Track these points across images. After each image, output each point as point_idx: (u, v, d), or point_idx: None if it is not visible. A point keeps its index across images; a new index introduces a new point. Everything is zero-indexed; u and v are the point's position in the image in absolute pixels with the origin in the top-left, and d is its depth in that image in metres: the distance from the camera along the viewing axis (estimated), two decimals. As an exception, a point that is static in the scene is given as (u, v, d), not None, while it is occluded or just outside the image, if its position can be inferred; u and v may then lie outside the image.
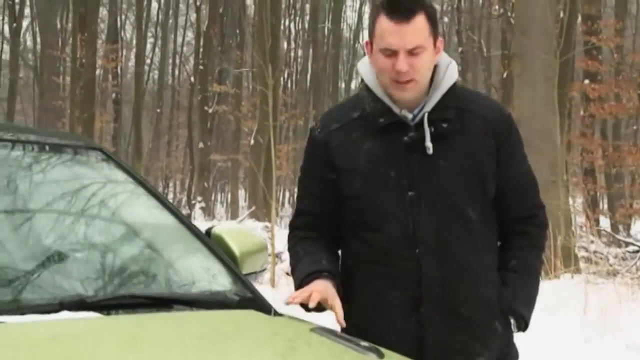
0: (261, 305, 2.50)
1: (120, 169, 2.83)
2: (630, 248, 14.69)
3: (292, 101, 28.42)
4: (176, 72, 41.63)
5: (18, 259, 2.28)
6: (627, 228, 22.22)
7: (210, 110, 29.25)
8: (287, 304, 2.41)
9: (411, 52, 2.38)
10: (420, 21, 2.39)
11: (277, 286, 10.55)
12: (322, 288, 2.42)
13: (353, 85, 45.24)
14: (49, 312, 2.08)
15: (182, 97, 41.03)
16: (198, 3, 31.03)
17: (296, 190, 2.78)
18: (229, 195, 32.75)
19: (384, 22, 2.39)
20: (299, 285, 2.49)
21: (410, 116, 2.46)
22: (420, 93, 2.46)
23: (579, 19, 19.12)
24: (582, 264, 11.37)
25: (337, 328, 2.41)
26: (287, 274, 10.26)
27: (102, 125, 28.45)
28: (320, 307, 2.42)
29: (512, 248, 2.56)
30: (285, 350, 2.07)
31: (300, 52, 37.82)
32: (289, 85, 35.95)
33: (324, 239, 2.58)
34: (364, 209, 2.47)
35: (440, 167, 2.43)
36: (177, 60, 41.26)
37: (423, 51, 2.39)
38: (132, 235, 2.64)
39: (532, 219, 2.58)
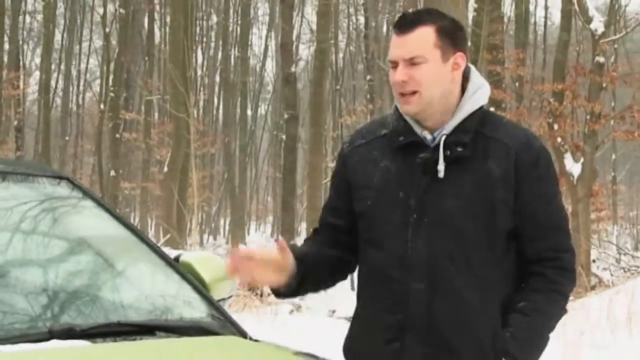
0: (237, 331, 2.54)
1: (88, 197, 2.84)
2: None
3: (202, 128, 28.30)
4: (80, 99, 41.01)
5: (4, 291, 2.28)
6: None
7: (124, 139, 28.95)
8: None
9: (410, 63, 2.35)
10: (422, 32, 2.36)
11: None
12: (264, 253, 2.37)
13: (262, 111, 45.40)
14: (39, 340, 2.09)
15: (86, 124, 40.43)
16: (107, 30, 30.71)
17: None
18: (139, 224, 32.34)
19: (392, 36, 2.41)
20: None
21: (429, 137, 2.40)
22: (439, 109, 2.39)
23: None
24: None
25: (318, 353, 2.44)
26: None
27: (5, 153, 27.78)
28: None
29: (525, 289, 2.39)
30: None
31: (206, 80, 37.75)
32: (197, 112, 35.84)
33: (322, 244, 2.53)
34: (371, 227, 2.43)
35: (448, 191, 2.35)
36: (81, 87, 40.68)
37: (424, 62, 2.34)
38: (109, 264, 2.65)
39: (553, 261, 2.39)
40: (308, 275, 2.45)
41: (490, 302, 2.35)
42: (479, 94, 2.43)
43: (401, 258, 2.36)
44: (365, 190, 2.44)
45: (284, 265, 2.39)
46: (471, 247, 2.34)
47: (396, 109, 2.48)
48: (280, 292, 2.46)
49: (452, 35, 2.39)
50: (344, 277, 2.64)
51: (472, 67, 2.47)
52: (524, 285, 2.39)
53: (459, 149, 2.36)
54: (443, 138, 2.37)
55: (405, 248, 2.36)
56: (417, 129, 2.41)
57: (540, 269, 2.38)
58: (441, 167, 2.35)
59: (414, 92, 2.36)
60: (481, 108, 2.42)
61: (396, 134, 2.44)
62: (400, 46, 2.36)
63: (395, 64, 2.37)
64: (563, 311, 2.43)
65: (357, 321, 2.50)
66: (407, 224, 2.37)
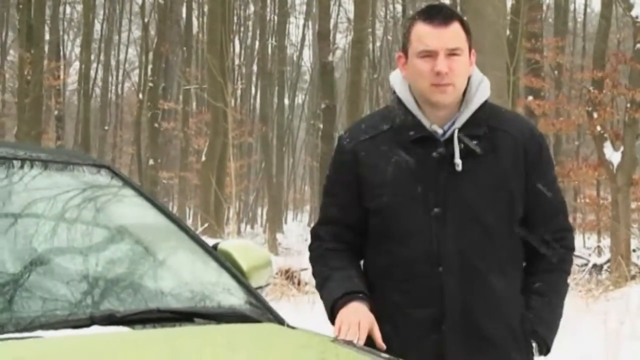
0: (275, 318, 2.56)
1: (128, 186, 2.87)
2: (579, 262, 15.02)
3: (240, 118, 28.41)
4: (119, 89, 41.38)
5: (47, 278, 2.32)
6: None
7: (162, 128, 29.16)
8: (336, 339, 2.36)
9: (450, 54, 2.39)
10: (457, 26, 2.43)
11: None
12: (365, 316, 2.40)
13: (299, 100, 45.46)
14: (81, 326, 2.13)
15: (125, 113, 40.78)
16: (146, 20, 30.91)
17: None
18: (177, 213, 32.60)
19: (421, 28, 2.42)
20: (332, 306, 2.47)
21: (440, 131, 2.45)
22: (455, 103, 2.46)
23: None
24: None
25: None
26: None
27: (46, 143, 28.12)
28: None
29: (537, 270, 2.53)
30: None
31: (243, 70, 37.87)
32: (234, 102, 36.00)
33: (350, 252, 2.57)
34: (389, 223, 2.46)
35: (468, 184, 2.41)
36: (120, 77, 41.03)
37: (461, 54, 2.41)
38: (149, 252, 2.68)
39: (559, 241, 2.54)
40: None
41: (514, 287, 2.49)
42: (483, 87, 2.51)
43: (428, 252, 2.41)
44: (380, 187, 2.47)
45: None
46: (494, 236, 2.43)
47: (398, 101, 2.50)
48: None
49: (470, 33, 2.49)
50: None
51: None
52: (535, 266, 2.53)
53: (474, 142, 2.43)
54: (456, 132, 2.43)
55: (431, 242, 2.41)
56: (426, 123, 2.46)
57: (549, 250, 2.52)
58: (458, 160, 2.41)
59: (448, 84, 2.40)
60: (486, 101, 2.50)
61: (405, 128, 2.47)
62: (441, 37, 2.40)
63: (430, 54, 2.40)
64: (567, 286, 2.62)
65: (377, 311, 2.46)
66: (429, 219, 2.42)
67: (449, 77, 2.39)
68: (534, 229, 2.51)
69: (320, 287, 2.59)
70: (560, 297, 2.55)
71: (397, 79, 2.55)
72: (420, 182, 2.43)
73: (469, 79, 2.49)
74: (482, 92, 2.50)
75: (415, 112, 2.47)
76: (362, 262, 2.62)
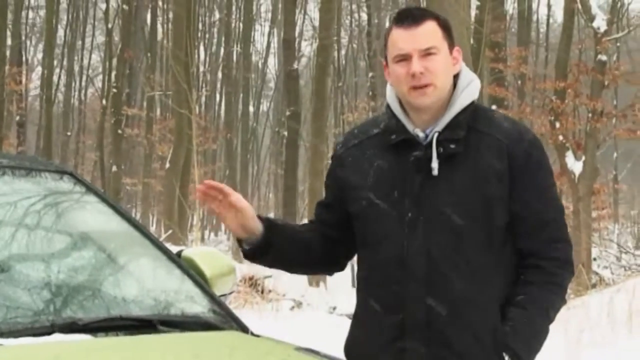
0: (239, 326, 2.55)
1: (91, 192, 2.85)
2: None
3: (204, 125, 28.29)
4: (82, 94, 41.03)
5: (9, 285, 2.29)
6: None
7: (126, 135, 28.96)
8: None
9: (424, 54, 2.34)
10: (430, 25, 2.37)
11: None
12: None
13: (264, 108, 45.41)
14: (42, 334, 2.10)
15: (88, 119, 40.46)
16: (110, 25, 30.72)
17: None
18: (140, 220, 32.37)
19: (394, 32, 2.39)
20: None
21: (422, 135, 2.39)
22: (440, 105, 2.40)
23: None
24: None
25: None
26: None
27: (7, 149, 27.79)
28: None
29: (523, 283, 2.37)
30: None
31: (208, 76, 37.76)
32: (199, 108, 35.88)
33: (311, 231, 2.56)
34: (366, 227, 2.43)
35: (443, 189, 2.34)
36: (83, 83, 40.69)
37: (437, 53, 2.35)
38: (112, 259, 2.67)
39: (550, 253, 2.38)
40: (275, 246, 2.46)
41: (489, 297, 2.35)
42: (470, 88, 2.43)
43: (399, 258, 2.36)
44: (360, 191, 2.44)
45: (247, 217, 2.42)
46: (468, 243, 2.33)
47: (388, 107, 2.48)
48: (246, 252, 2.48)
49: (449, 31, 2.42)
50: (327, 271, 2.68)
51: (463, 63, 2.47)
52: (522, 278, 2.38)
53: (452, 146, 2.36)
54: (435, 135, 2.37)
55: (402, 247, 2.36)
56: (409, 127, 2.41)
57: (537, 262, 2.37)
58: (435, 164, 2.35)
59: (427, 85, 2.35)
60: (472, 103, 2.42)
61: (388, 132, 2.44)
62: (413, 38, 2.36)
63: (404, 58, 2.36)
64: (562, 302, 2.43)
65: (357, 323, 2.50)
66: (403, 223, 2.37)
67: (426, 77, 2.34)
68: (522, 239, 2.39)
69: None
70: (545, 311, 2.36)
71: (389, 85, 2.51)
72: (396, 187, 2.39)
73: (457, 79, 2.44)
74: (468, 94, 2.42)
75: (399, 115, 2.44)
76: (333, 254, 2.61)
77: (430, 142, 2.37)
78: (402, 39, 2.36)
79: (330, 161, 2.61)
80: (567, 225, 2.49)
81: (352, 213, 2.47)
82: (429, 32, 2.36)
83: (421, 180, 2.37)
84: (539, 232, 2.38)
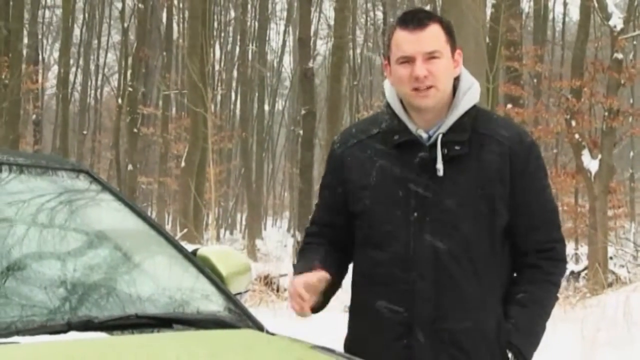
0: (254, 324, 2.55)
1: (107, 190, 2.86)
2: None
3: (219, 123, 28.34)
4: (98, 93, 41.20)
5: (25, 283, 2.30)
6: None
7: (141, 134, 29.03)
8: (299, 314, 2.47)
9: (428, 58, 2.39)
10: (435, 29, 2.42)
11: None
12: (298, 279, 2.46)
13: (279, 106, 45.45)
14: (58, 332, 2.11)
15: (104, 118, 40.61)
16: (125, 25, 30.80)
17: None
18: (156, 219, 32.47)
19: (399, 34, 2.43)
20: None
21: (425, 136, 2.45)
22: (442, 106, 2.45)
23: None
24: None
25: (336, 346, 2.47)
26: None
27: (23, 147, 27.93)
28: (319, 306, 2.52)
29: (522, 281, 2.48)
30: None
31: (223, 75, 37.83)
32: (214, 107, 35.96)
33: (329, 246, 2.59)
34: (370, 226, 2.47)
35: (448, 190, 2.40)
36: (99, 82, 40.85)
37: (440, 57, 2.40)
38: (128, 257, 2.67)
39: (547, 252, 2.49)
40: (332, 286, 2.54)
41: (492, 295, 2.44)
42: (472, 92, 2.49)
43: (404, 257, 2.42)
44: (363, 190, 2.48)
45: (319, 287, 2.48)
46: (472, 243, 2.40)
47: (387, 106, 2.51)
48: (317, 309, 2.56)
49: (452, 34, 2.47)
50: (344, 276, 2.70)
51: (462, 67, 2.52)
52: (520, 276, 2.48)
53: (457, 148, 2.42)
54: (440, 137, 2.42)
55: (408, 247, 2.41)
56: (412, 127, 2.46)
57: (535, 261, 2.47)
58: (440, 166, 2.40)
59: (429, 87, 2.39)
60: (474, 106, 2.48)
61: (391, 132, 2.48)
62: (418, 41, 2.40)
63: (408, 60, 2.40)
64: (556, 300, 2.55)
65: (357, 320, 2.54)
66: (408, 223, 2.42)
67: (428, 80, 2.39)
68: (520, 239, 2.48)
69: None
70: (543, 308, 2.49)
71: (387, 84, 2.56)
72: (401, 187, 2.44)
73: (458, 82, 2.49)
74: (470, 96, 2.48)
75: (401, 116, 2.48)
76: (348, 261, 2.64)
77: (434, 143, 2.43)
78: (407, 42, 2.41)
79: (327, 161, 2.64)
80: (561, 226, 2.59)
81: (354, 212, 2.51)
82: (433, 36, 2.41)
83: (426, 180, 2.42)
84: (537, 232, 2.48)
